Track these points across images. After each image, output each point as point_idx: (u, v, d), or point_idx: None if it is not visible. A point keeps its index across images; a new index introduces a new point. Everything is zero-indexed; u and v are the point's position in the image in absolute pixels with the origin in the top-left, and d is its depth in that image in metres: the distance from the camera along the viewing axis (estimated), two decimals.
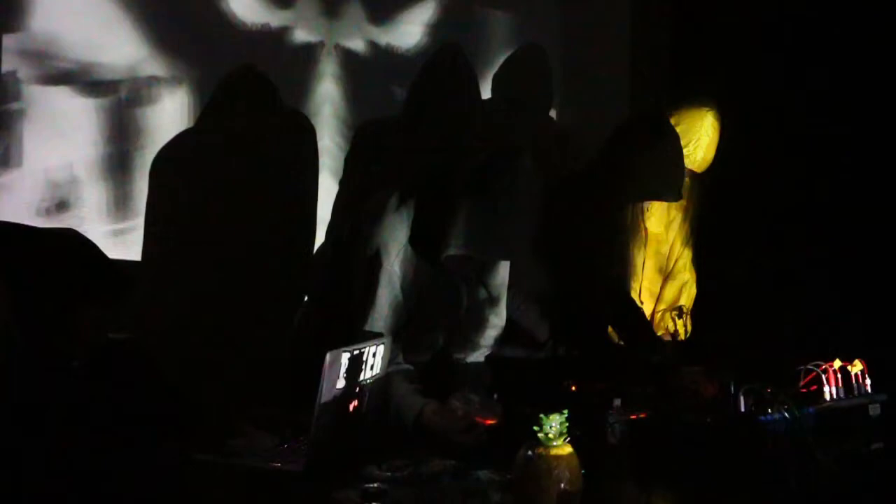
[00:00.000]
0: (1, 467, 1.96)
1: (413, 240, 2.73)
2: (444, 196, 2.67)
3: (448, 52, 3.82)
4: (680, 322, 3.63)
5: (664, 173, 3.30)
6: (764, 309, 3.85)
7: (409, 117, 3.76)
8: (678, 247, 3.80)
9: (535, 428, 1.94)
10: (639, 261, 3.70)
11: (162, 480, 2.15)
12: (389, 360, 2.57)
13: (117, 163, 3.49)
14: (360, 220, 2.81)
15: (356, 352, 2.32)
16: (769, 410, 2.33)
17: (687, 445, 2.34)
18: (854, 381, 2.59)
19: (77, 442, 2.09)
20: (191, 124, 3.65)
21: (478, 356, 2.94)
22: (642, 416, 2.47)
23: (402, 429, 2.61)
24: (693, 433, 2.36)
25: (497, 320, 2.96)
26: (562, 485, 1.90)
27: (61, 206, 3.36)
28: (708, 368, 2.77)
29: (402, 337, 2.74)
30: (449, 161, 2.80)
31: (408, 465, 2.23)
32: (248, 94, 3.75)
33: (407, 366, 2.77)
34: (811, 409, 2.42)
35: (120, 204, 3.49)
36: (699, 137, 3.70)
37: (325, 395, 2.21)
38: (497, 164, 2.68)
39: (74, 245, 2.29)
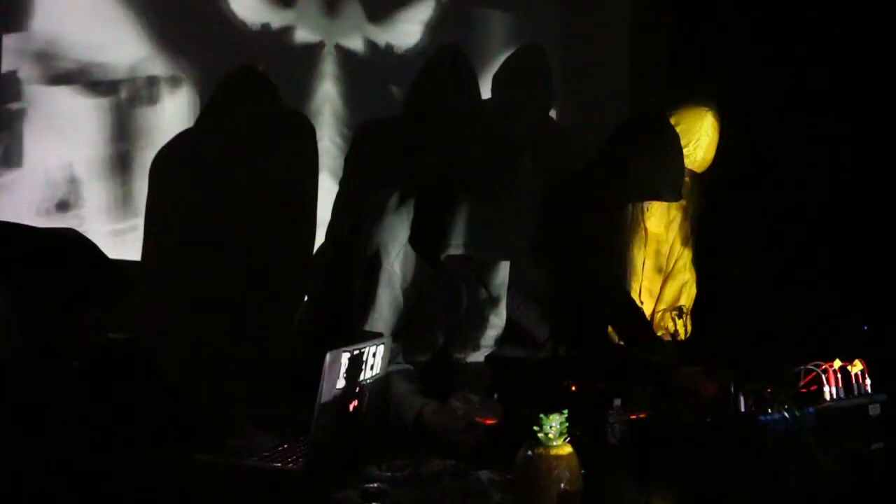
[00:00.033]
0: (1, 467, 1.96)
1: (413, 240, 2.73)
2: (444, 196, 2.67)
3: (448, 52, 3.83)
4: (680, 322, 3.63)
5: (664, 173, 3.30)
6: (764, 309, 3.85)
7: (409, 117, 3.76)
8: (678, 247, 3.80)
9: (535, 428, 1.94)
10: (639, 261, 3.70)
11: (162, 480, 2.15)
12: (389, 360, 2.57)
13: (118, 163, 3.49)
14: (360, 220, 2.81)
15: (356, 352, 2.32)
16: (769, 410, 2.33)
17: (687, 445, 2.34)
18: (854, 381, 2.60)
19: (77, 442, 2.09)
20: (192, 124, 3.65)
21: (478, 356, 2.94)
22: (642, 416, 2.48)
23: (402, 429, 2.61)
24: (693, 433, 2.36)
25: (497, 320, 2.96)
26: (562, 485, 1.90)
27: (62, 205, 3.36)
28: (708, 368, 2.77)
29: (402, 337, 2.74)
30: (449, 161, 2.80)
31: (408, 465, 2.23)
32: (248, 94, 3.75)
33: (407, 366, 2.77)
34: (811, 409, 2.43)
35: (121, 204, 3.49)
36: (699, 137, 3.70)
37: (325, 395, 2.21)
38: (497, 164, 2.68)
39: (74, 245, 2.29)
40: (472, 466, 2.21)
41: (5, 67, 3.25)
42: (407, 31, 4.16)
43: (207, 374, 3.23)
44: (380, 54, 4.08)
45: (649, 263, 3.73)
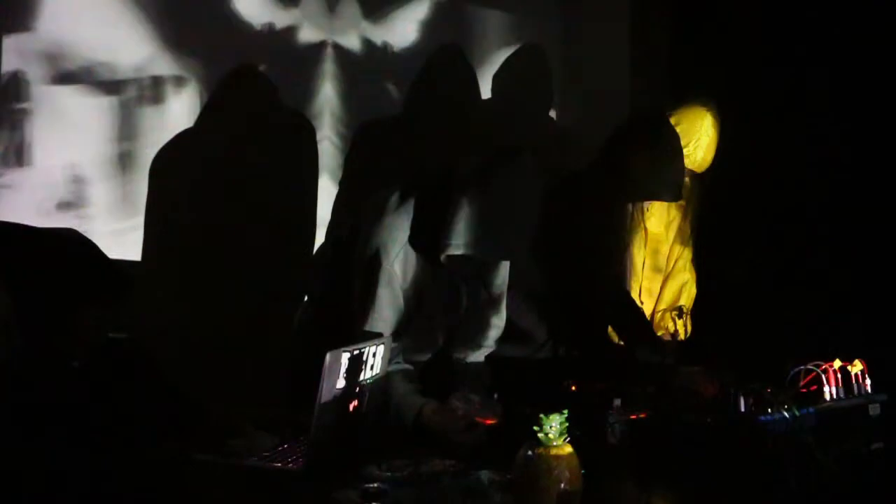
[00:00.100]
0: (1, 467, 1.96)
1: (413, 240, 2.73)
2: (444, 196, 2.67)
3: (448, 52, 3.82)
4: (680, 322, 3.63)
5: (664, 173, 3.30)
6: (764, 309, 3.85)
7: (409, 117, 3.76)
8: (678, 247, 3.80)
9: (535, 428, 1.94)
10: (638, 260, 3.70)
11: (162, 480, 2.15)
12: (389, 360, 2.57)
13: (123, 162, 3.49)
14: (360, 220, 2.81)
15: (356, 352, 2.32)
16: (769, 410, 2.33)
17: (687, 445, 2.34)
18: (854, 381, 2.59)
19: (77, 442, 2.09)
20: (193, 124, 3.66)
21: (478, 356, 2.94)
22: (642, 416, 2.48)
23: (402, 429, 2.61)
24: (693, 433, 2.36)
25: (497, 320, 2.96)
26: (562, 485, 1.90)
27: (67, 205, 3.37)
28: (708, 368, 2.77)
29: (402, 337, 2.74)
30: (449, 161, 2.80)
31: (408, 465, 2.23)
32: (249, 94, 3.76)
33: (407, 366, 2.77)
34: (811, 409, 2.42)
35: (127, 203, 3.49)
36: (699, 137, 3.70)
37: (325, 395, 2.21)
38: (497, 164, 2.68)
39: (74, 245, 2.29)
40: (472, 466, 2.22)
41: (11, 67, 3.26)
42: (406, 31, 4.17)
43: (207, 374, 3.23)
44: (378, 54, 4.08)
45: (649, 263, 3.73)
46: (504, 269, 2.94)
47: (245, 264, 3.62)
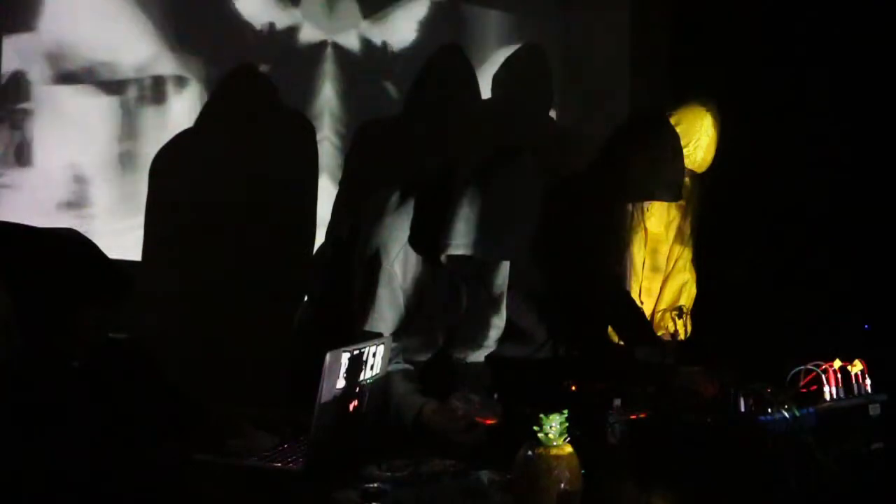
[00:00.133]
0: (1, 467, 1.96)
1: (413, 240, 2.73)
2: (444, 196, 2.67)
3: (448, 52, 3.82)
4: (680, 322, 3.63)
5: (664, 173, 3.30)
6: (764, 309, 3.85)
7: (409, 117, 3.76)
8: (678, 246, 3.80)
9: (535, 428, 1.94)
10: (638, 260, 3.70)
11: (162, 480, 2.15)
12: (389, 360, 2.57)
13: (124, 162, 3.49)
14: (360, 220, 2.81)
15: (356, 352, 2.32)
16: (769, 410, 2.33)
17: (687, 445, 2.34)
18: (854, 381, 2.59)
19: (77, 442, 2.09)
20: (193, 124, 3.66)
21: (478, 356, 2.94)
22: (642, 416, 2.48)
23: (402, 429, 2.61)
24: (693, 433, 2.36)
25: (497, 320, 2.96)
26: (562, 485, 1.90)
27: (70, 204, 3.37)
28: (708, 368, 2.77)
29: (402, 337, 2.74)
30: (449, 161, 2.80)
31: (408, 465, 2.23)
32: (248, 94, 3.76)
33: (407, 366, 2.77)
34: (811, 409, 2.42)
35: (127, 203, 3.49)
36: (699, 137, 3.70)
37: (325, 395, 2.21)
38: (497, 164, 2.68)
39: (74, 245, 2.29)
40: (472, 466, 2.21)
41: (13, 67, 3.26)
42: (406, 31, 4.17)
43: (207, 374, 3.23)
44: (377, 53, 4.08)
45: (649, 263, 3.73)
46: (504, 269, 2.94)
47: (245, 264, 3.62)
